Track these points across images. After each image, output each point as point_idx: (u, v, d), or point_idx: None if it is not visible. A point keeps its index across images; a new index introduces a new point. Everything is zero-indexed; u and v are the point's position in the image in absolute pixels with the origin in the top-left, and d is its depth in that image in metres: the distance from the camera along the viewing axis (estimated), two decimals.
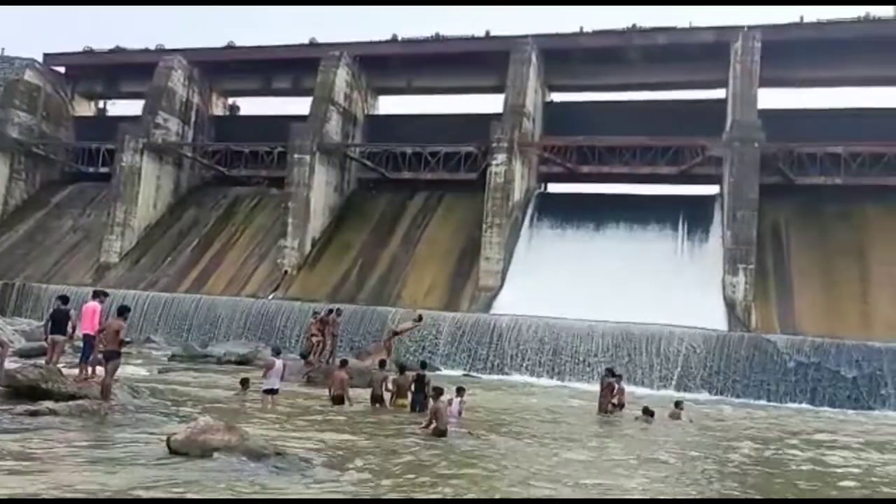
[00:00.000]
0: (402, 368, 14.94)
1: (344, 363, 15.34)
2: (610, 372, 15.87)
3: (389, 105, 41.37)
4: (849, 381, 20.04)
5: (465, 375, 21.79)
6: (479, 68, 36.06)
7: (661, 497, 7.48)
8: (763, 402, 20.00)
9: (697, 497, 7.39)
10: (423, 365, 15.92)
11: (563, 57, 35.29)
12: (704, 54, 32.70)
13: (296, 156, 34.36)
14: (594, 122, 34.43)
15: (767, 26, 31.31)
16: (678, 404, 14.95)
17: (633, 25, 33.43)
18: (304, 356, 19.43)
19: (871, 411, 19.07)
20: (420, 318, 20.95)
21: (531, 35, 34.52)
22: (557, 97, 38.30)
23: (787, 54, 31.21)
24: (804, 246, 29.83)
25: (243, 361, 21.47)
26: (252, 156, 37.73)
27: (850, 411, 19.05)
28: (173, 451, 8.11)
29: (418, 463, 8.76)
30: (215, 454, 7.95)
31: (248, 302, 29.53)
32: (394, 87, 39.82)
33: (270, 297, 31.22)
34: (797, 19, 31.53)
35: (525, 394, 18.62)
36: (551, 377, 22.71)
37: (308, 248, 34.30)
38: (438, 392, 11.66)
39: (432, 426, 10.92)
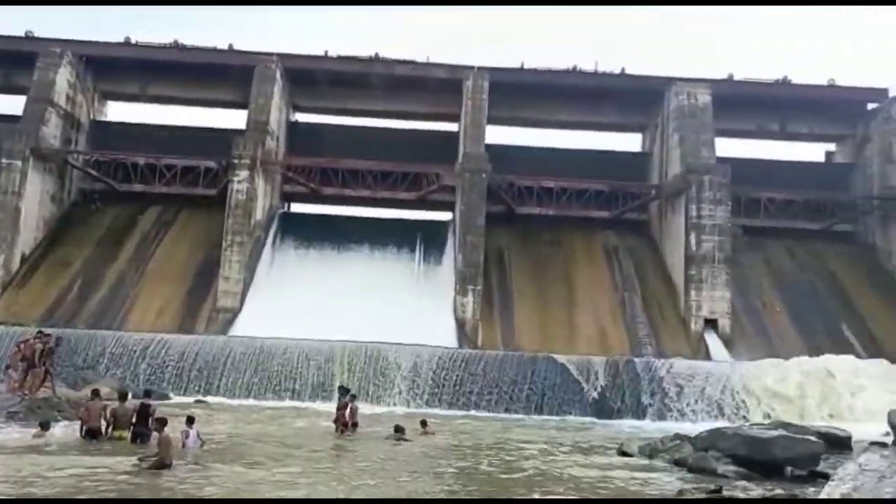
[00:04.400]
0: (122, 396, 13.92)
1: (96, 393, 13.96)
2: (344, 391, 16.22)
3: (121, 112, 38.35)
4: (564, 391, 22.34)
5: (197, 402, 20.78)
6: (221, 81, 34.92)
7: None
8: (501, 414, 21.51)
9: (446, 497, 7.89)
10: (147, 393, 14.95)
11: (308, 78, 35.55)
12: (441, 89, 34.99)
13: (3, 160, 30.47)
14: (339, 145, 35.17)
15: (495, 68, 34.44)
16: (424, 423, 15.65)
17: (376, 55, 34.75)
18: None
19: (568, 416, 21.50)
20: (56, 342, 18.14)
21: (277, 53, 34.33)
22: (302, 118, 38.45)
23: (511, 95, 34.52)
24: (523, 269, 33.09)
25: None
26: None
27: (558, 418, 21.38)
28: None
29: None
30: None
31: None
32: (126, 93, 37.01)
33: None
34: (519, 65, 35.02)
35: (264, 418, 18.26)
36: (292, 398, 22.49)
37: (16, 264, 30.50)
38: (162, 423, 11.10)
39: (154, 459, 10.36)
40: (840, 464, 6.73)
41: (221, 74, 34.55)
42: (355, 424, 15.34)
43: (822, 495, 6.20)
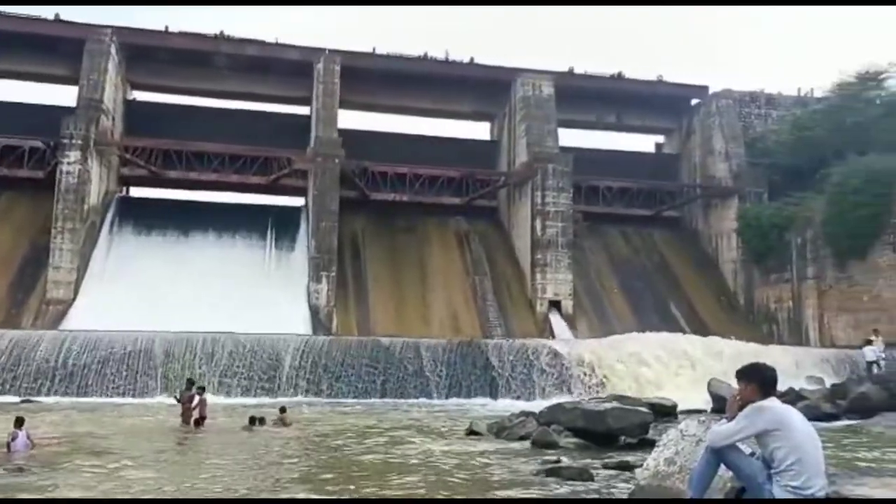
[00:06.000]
0: None
1: None
2: (191, 383, 15.65)
3: None
4: (419, 375, 22.72)
5: (24, 402, 19.20)
6: (48, 54, 32.17)
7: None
8: (357, 399, 21.47)
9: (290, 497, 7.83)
10: None
11: (148, 54, 33.56)
12: (292, 71, 34.23)
13: None
14: (183, 126, 33.50)
15: (346, 52, 34.18)
16: (283, 410, 15.36)
17: (222, 32, 33.39)
18: None
19: (422, 399, 21.95)
20: None
21: (111, 26, 32.11)
22: (142, 96, 36.29)
23: (364, 80, 34.41)
24: (378, 255, 33.25)
25: None
26: None
27: (413, 401, 21.76)
28: None
29: None
30: None
31: None
32: None
33: None
34: (371, 50, 34.96)
35: (104, 416, 17.18)
36: (134, 394, 21.31)
37: None
38: None
39: None
40: (665, 431, 7.44)
41: (48, 47, 31.83)
42: (204, 418, 14.83)
43: (649, 460, 6.78)
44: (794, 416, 4.96)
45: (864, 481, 6.29)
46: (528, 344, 24.52)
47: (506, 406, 19.25)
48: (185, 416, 14.83)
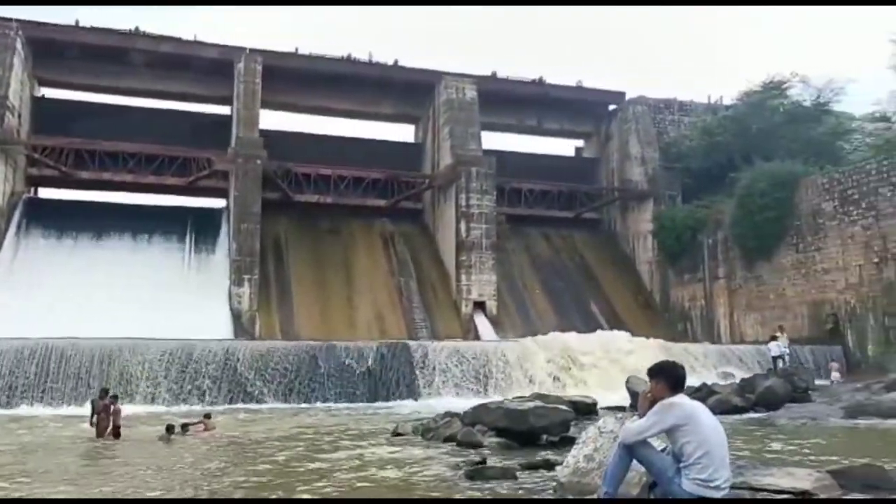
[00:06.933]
0: None
1: None
2: (105, 392, 15.08)
3: None
4: (344, 378, 22.53)
5: None
6: None
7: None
8: (282, 404, 21.11)
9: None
10: None
11: (57, 50, 32.13)
12: (212, 70, 33.45)
13: None
14: (96, 125, 32.25)
15: (268, 52, 33.65)
16: (208, 416, 14.96)
17: (137, 28, 32.33)
18: None
19: (348, 402, 21.84)
20: None
21: (17, 20, 30.58)
22: (51, 93, 34.68)
23: (286, 80, 33.95)
24: (302, 257, 32.86)
25: None
26: None
27: (339, 405, 21.62)
28: None
29: None
30: None
31: None
32: None
33: None
34: (293, 49, 34.53)
35: (10, 429, 16.35)
36: (43, 405, 20.33)
37: None
38: None
39: None
40: (585, 429, 7.67)
41: None
42: (118, 427, 14.31)
43: (569, 457, 6.97)
44: (701, 411, 5.24)
45: (771, 471, 6.65)
46: (454, 345, 24.73)
47: (431, 407, 19.34)
48: (99, 426, 14.29)
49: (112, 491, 8.31)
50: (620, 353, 24.80)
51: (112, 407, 14.39)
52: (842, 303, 28.34)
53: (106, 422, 14.23)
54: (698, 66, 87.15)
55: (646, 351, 23.73)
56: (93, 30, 32.23)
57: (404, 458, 10.27)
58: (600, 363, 24.53)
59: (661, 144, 38.92)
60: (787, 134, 34.53)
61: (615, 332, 27.56)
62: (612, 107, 40.58)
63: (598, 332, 28.04)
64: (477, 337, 29.97)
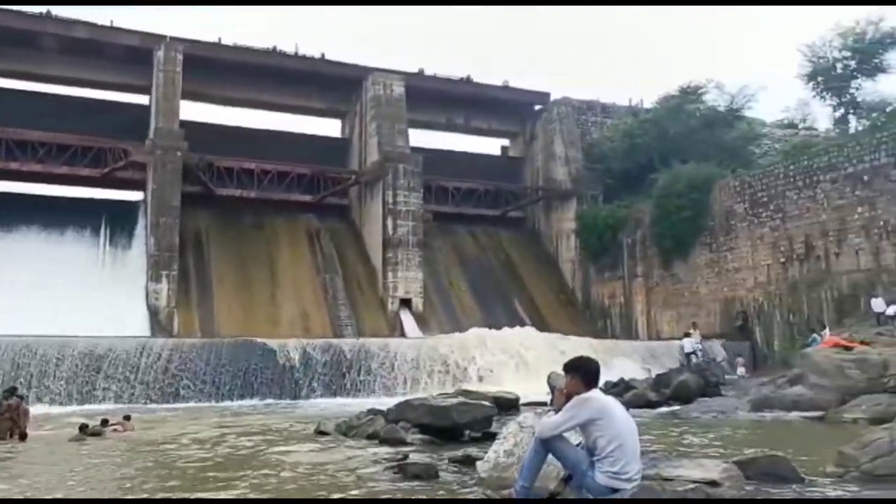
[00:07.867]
0: None
1: None
2: (11, 391, 14.35)
3: None
4: (266, 376, 22.14)
5: None
6: None
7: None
8: (201, 403, 20.56)
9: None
10: None
11: None
12: (130, 58, 32.31)
13: None
14: (2, 112, 30.55)
15: (190, 41, 32.70)
16: (127, 418, 14.41)
17: (48, 12, 30.86)
18: None
19: (269, 400, 21.55)
20: None
21: None
22: None
23: (209, 71, 33.06)
24: (223, 253, 32.10)
25: None
26: None
27: (261, 402, 21.26)
28: None
29: None
30: None
31: None
32: None
33: None
34: (217, 40, 33.68)
35: None
36: None
37: None
38: None
39: None
40: (506, 424, 7.80)
41: None
42: (25, 428, 13.66)
43: (490, 452, 7.06)
44: (614, 406, 5.41)
45: (682, 463, 6.91)
46: (377, 342, 24.67)
47: (354, 405, 19.26)
48: (3, 428, 13.61)
49: (15, 494, 7.94)
50: (543, 348, 25.28)
51: (19, 407, 13.74)
52: (751, 301, 29.72)
53: (14, 423, 13.57)
54: (621, 68, 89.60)
55: (568, 347, 24.28)
56: (0, 11, 30.56)
57: (327, 455, 10.20)
58: (532, 358, 24.94)
59: (584, 145, 39.82)
60: (703, 137, 35.92)
61: (528, 328, 28.13)
62: (537, 107, 41.25)
63: (517, 328, 28.43)
64: (403, 334, 29.98)
